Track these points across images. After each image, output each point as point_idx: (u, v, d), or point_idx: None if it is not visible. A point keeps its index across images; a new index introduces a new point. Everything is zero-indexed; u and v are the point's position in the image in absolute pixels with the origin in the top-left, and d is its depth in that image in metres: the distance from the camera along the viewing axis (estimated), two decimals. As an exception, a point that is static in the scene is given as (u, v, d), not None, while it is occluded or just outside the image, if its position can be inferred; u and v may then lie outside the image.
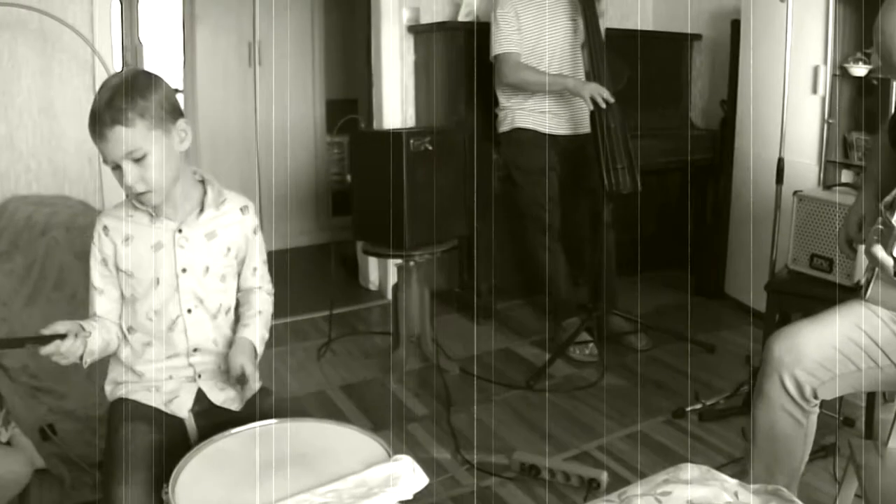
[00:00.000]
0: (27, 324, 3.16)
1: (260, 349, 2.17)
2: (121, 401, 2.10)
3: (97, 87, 1.95)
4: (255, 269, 2.26)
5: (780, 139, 3.61)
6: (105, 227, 2.09)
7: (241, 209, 2.22)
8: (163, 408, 2.10)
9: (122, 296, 2.11)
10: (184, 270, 2.09)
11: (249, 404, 2.16)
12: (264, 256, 2.30)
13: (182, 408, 2.11)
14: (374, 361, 4.20)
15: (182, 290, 2.10)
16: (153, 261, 2.07)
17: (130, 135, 1.89)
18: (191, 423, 2.11)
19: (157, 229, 2.07)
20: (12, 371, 3.11)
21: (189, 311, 2.11)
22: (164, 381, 2.11)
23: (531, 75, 4.19)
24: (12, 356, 3.11)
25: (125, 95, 1.88)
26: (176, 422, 2.09)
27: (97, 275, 2.11)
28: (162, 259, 2.07)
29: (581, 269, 4.48)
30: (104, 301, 2.11)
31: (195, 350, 2.13)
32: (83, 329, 1.95)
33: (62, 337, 1.86)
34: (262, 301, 2.27)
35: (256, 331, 2.19)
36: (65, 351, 1.86)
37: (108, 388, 2.17)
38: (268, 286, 2.31)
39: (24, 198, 3.94)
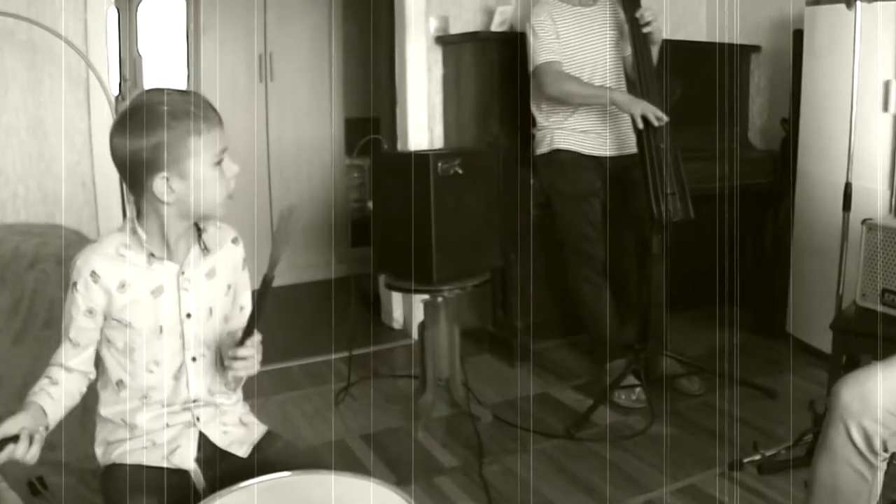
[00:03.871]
0: (15, 365, 3.18)
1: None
2: (116, 466, 2.06)
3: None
4: (241, 308, 2.25)
5: (848, 162, 3.60)
6: (94, 273, 1.96)
7: (232, 241, 2.21)
8: (164, 463, 2.06)
9: (115, 347, 2.05)
10: (188, 315, 2.07)
11: (257, 450, 2.16)
12: (249, 293, 2.29)
13: (186, 458, 2.08)
14: (397, 407, 4.21)
15: (188, 337, 2.08)
16: (154, 307, 2.03)
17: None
18: (198, 476, 2.08)
19: (155, 272, 2.02)
20: (-3, 418, 3.13)
21: (194, 359, 2.10)
22: (162, 431, 2.08)
23: (575, 86, 4.19)
24: (-2, 400, 3.13)
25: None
26: (182, 476, 2.07)
27: (77, 328, 2.02)
28: (163, 305, 2.04)
29: (627, 306, 4.48)
30: (78, 354, 2.06)
31: (194, 400, 2.12)
32: (44, 413, 1.92)
33: (14, 439, 1.76)
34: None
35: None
36: (20, 457, 1.75)
37: (98, 450, 2.14)
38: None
39: (10, 227, 3.94)
